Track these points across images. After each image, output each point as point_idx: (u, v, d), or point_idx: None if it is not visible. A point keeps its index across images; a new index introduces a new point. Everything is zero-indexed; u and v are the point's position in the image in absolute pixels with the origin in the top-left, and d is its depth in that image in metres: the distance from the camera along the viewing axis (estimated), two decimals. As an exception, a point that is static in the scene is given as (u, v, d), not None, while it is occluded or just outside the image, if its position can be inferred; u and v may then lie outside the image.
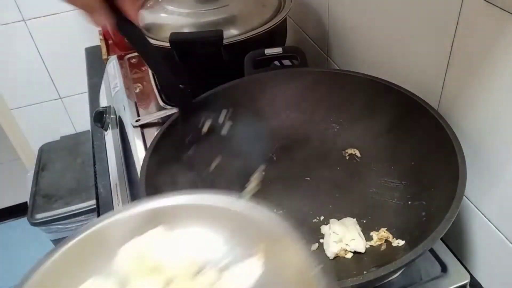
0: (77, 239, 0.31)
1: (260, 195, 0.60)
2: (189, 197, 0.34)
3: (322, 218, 0.56)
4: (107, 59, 1.07)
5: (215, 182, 0.59)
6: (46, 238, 1.37)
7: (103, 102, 0.94)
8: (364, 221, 0.54)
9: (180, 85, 0.52)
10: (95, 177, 0.79)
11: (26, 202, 1.43)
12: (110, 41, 1.17)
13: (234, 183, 0.58)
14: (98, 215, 0.70)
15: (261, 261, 0.31)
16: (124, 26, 0.45)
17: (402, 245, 0.49)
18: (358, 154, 0.62)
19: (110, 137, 0.83)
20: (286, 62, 0.84)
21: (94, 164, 0.83)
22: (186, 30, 0.75)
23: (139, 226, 0.33)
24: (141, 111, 0.82)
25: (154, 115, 0.78)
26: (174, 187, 0.53)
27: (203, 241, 0.33)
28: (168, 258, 0.32)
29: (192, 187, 0.56)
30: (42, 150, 1.53)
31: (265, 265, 0.31)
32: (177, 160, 0.56)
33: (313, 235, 0.54)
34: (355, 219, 0.53)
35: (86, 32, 1.34)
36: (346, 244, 0.50)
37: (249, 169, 0.59)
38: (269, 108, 0.65)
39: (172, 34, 0.68)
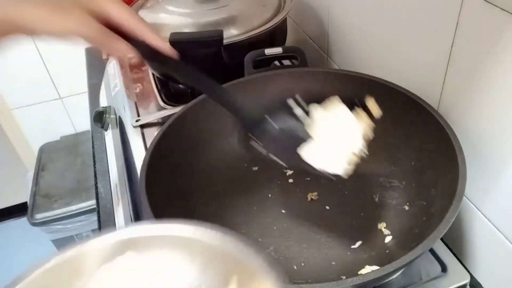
0: (46, 267, 0.30)
1: (259, 195, 0.60)
2: (161, 226, 0.34)
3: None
4: (107, 59, 1.07)
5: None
6: (46, 238, 1.37)
7: (103, 102, 0.94)
8: (363, 220, 0.54)
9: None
10: (95, 177, 0.79)
11: (26, 202, 1.43)
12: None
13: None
14: (98, 215, 0.70)
15: None
16: (150, 54, 0.42)
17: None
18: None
19: (110, 137, 0.83)
20: (286, 62, 0.84)
21: (94, 164, 0.83)
22: (186, 30, 0.75)
23: (110, 255, 0.32)
24: (141, 111, 0.82)
25: (154, 115, 0.78)
26: (174, 186, 0.53)
27: (175, 271, 0.33)
28: (139, 286, 0.32)
29: (192, 187, 0.56)
30: (42, 150, 1.53)
31: None
32: (177, 160, 0.56)
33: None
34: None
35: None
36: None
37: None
38: (269, 108, 0.65)
39: (172, 34, 0.68)
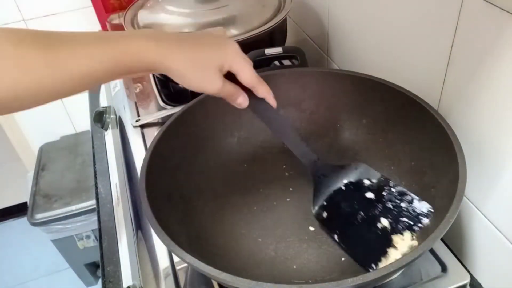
0: None
1: (258, 195, 0.60)
2: None
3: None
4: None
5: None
6: (46, 238, 1.37)
7: (103, 102, 0.94)
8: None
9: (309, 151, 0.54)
10: (95, 177, 0.79)
11: (26, 202, 1.43)
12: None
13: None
14: (98, 215, 0.70)
15: None
16: (259, 105, 0.50)
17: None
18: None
19: (110, 137, 0.83)
20: (286, 62, 0.84)
21: (94, 164, 0.83)
22: (186, 30, 0.75)
23: None
24: (141, 111, 0.82)
25: (154, 115, 0.78)
26: (174, 186, 0.53)
27: None
28: None
29: (192, 187, 0.56)
30: (42, 150, 1.53)
31: None
32: (177, 160, 0.56)
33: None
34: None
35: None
36: None
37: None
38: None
39: (172, 34, 0.68)
